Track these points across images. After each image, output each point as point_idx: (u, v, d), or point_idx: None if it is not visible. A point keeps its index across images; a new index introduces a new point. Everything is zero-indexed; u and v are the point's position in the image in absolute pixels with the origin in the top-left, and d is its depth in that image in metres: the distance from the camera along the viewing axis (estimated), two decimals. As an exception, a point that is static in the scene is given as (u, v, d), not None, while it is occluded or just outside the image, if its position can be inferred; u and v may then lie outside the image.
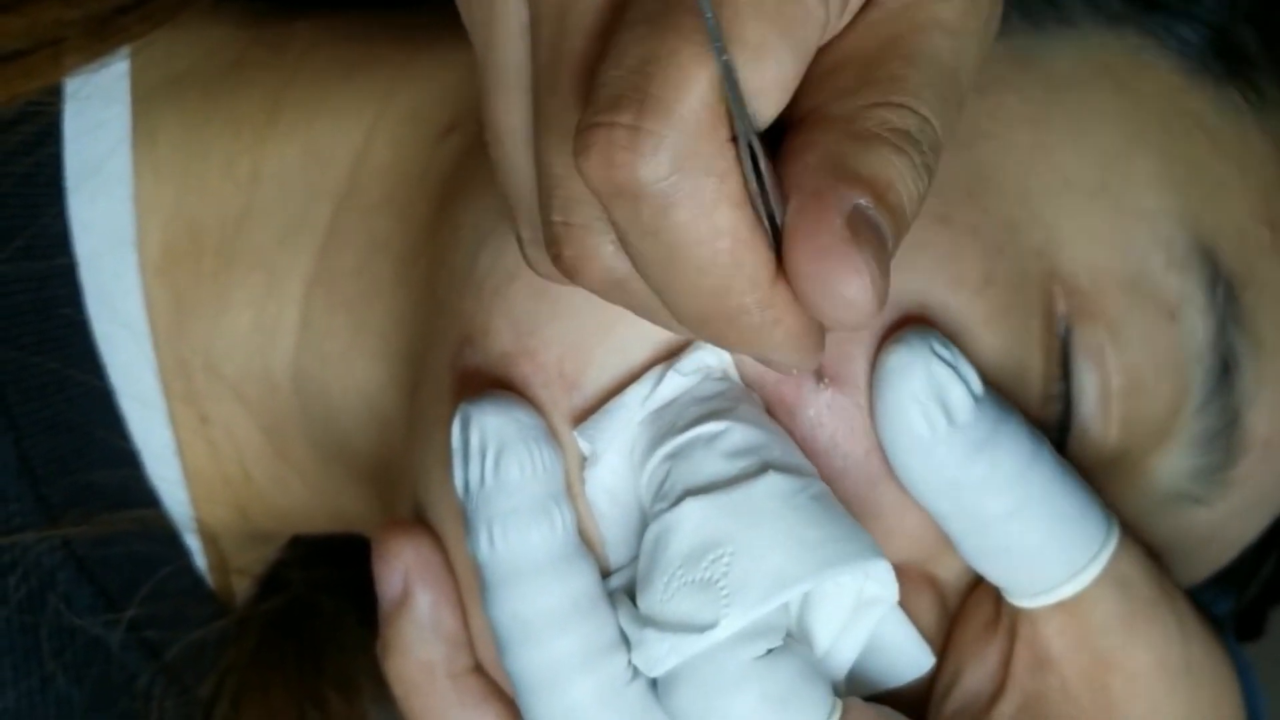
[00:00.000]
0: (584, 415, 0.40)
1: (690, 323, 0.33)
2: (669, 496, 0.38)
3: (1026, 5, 0.44)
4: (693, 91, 0.30)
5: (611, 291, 0.35)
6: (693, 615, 0.37)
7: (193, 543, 0.50)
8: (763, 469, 0.38)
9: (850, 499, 0.40)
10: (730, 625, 0.36)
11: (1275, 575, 0.59)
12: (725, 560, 0.37)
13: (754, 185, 0.32)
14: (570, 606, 0.38)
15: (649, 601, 0.38)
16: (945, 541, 0.41)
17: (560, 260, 0.34)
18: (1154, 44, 0.45)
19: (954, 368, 0.39)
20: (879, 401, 0.39)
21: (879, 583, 0.39)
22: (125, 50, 0.48)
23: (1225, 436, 0.44)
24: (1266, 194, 0.45)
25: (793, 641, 0.38)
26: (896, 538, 0.41)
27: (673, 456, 0.39)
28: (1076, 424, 0.42)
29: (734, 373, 0.40)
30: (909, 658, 0.41)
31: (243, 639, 0.52)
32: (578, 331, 0.40)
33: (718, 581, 0.36)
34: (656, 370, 0.40)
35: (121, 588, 0.49)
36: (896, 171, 0.32)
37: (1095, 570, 0.40)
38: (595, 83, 0.31)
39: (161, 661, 0.50)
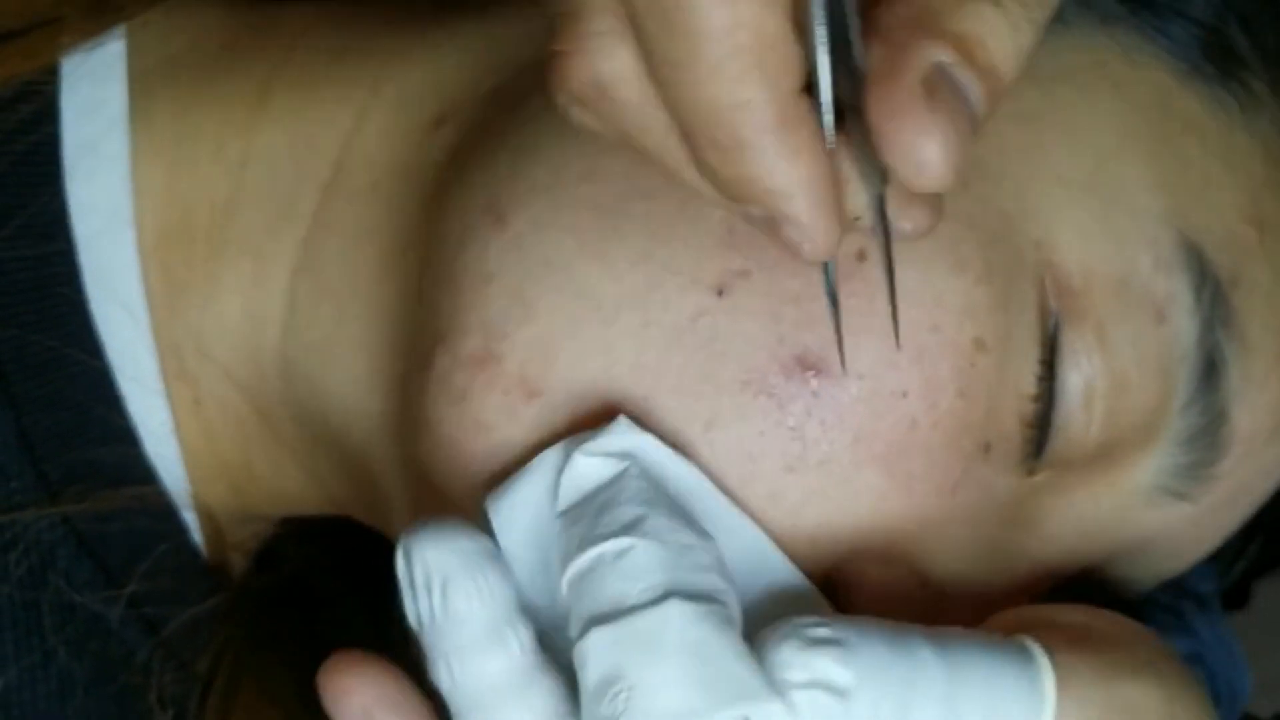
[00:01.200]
0: (539, 430, 0.40)
1: (699, 144, 0.32)
2: (578, 624, 0.37)
3: None
4: None
5: (596, 100, 0.33)
6: None
7: (190, 519, 0.51)
8: (664, 595, 0.37)
9: (831, 484, 0.40)
10: None
11: (1261, 552, 0.60)
12: (624, 696, 0.36)
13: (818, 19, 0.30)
14: None
15: None
16: (940, 540, 0.41)
17: (553, 60, 0.33)
18: (1146, 44, 0.45)
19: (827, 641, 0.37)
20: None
21: None
22: (121, 30, 0.48)
23: (1209, 434, 0.44)
24: (1254, 194, 0.45)
25: None
26: (881, 516, 0.41)
27: (580, 578, 0.38)
28: (1059, 421, 0.43)
29: (655, 454, 0.39)
30: None
31: (239, 614, 0.53)
32: (546, 337, 0.40)
33: (619, 717, 0.36)
34: (559, 448, 0.39)
35: (121, 564, 0.49)
36: (989, 27, 0.31)
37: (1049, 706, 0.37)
38: None
39: (160, 637, 0.50)
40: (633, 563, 0.37)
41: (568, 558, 0.38)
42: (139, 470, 0.49)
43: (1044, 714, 0.37)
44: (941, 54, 0.30)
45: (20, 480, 0.47)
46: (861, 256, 0.40)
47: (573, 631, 0.37)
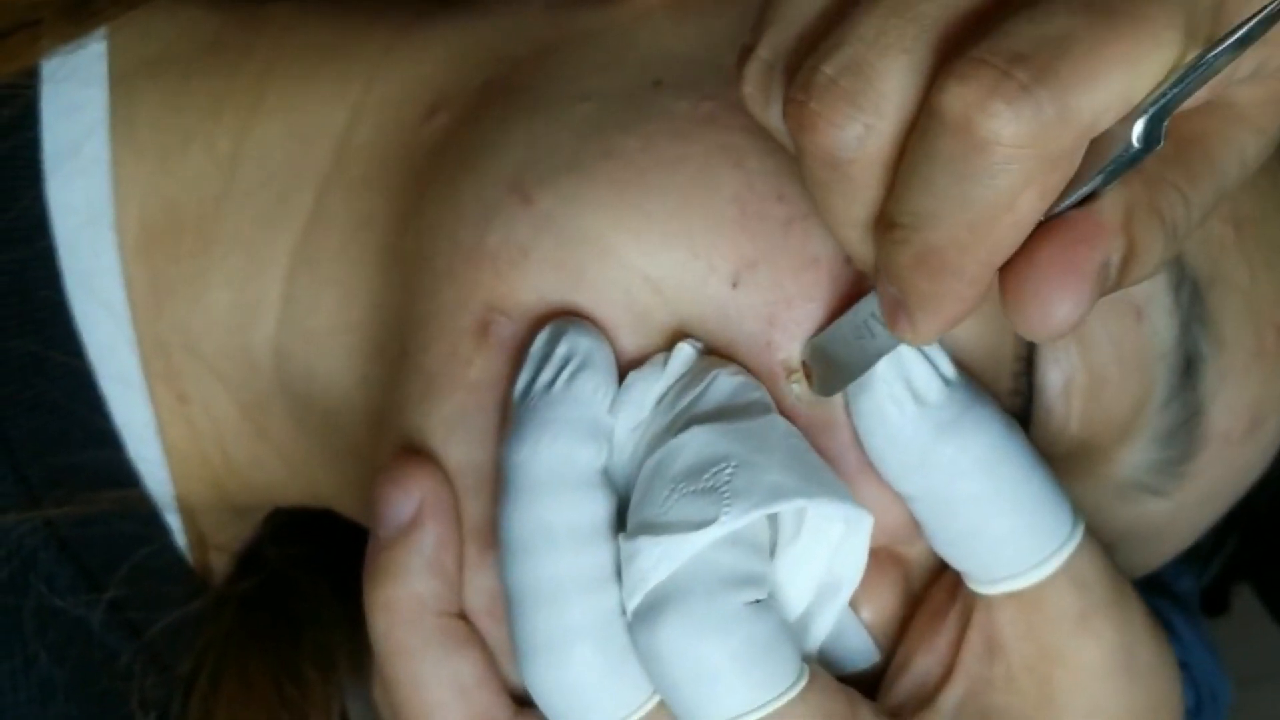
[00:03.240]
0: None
1: (907, 241, 0.34)
2: (674, 427, 0.39)
3: None
4: (1096, 90, 0.31)
5: (822, 164, 0.35)
6: (689, 518, 0.37)
7: (173, 521, 0.51)
8: (768, 409, 0.39)
9: None
10: (727, 524, 0.37)
11: (1237, 553, 0.60)
12: (728, 472, 0.38)
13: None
14: (591, 530, 0.39)
15: (647, 513, 0.38)
16: (917, 526, 0.41)
17: (796, 105, 0.34)
18: None
19: (922, 351, 0.40)
20: (850, 386, 0.40)
21: (848, 557, 0.40)
22: (101, 31, 0.48)
23: (1186, 431, 0.45)
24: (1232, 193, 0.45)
25: (774, 602, 0.39)
26: (874, 531, 0.41)
27: (682, 391, 0.40)
28: (1037, 417, 0.43)
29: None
30: (857, 649, 0.42)
31: (221, 616, 0.53)
32: (601, 302, 0.41)
33: (719, 489, 0.37)
34: (660, 356, 0.41)
35: (103, 568, 0.49)
36: (1152, 254, 0.34)
37: (1055, 564, 0.40)
38: (1000, 27, 0.32)
39: (142, 641, 0.50)
40: (736, 387, 0.39)
41: (663, 391, 0.40)
42: (121, 473, 0.49)
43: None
44: (1116, 252, 0.34)
45: (2, 484, 0.47)
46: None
47: (652, 445, 0.39)
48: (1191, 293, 0.44)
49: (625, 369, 0.41)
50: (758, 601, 0.38)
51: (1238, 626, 0.69)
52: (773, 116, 0.37)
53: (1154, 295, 0.44)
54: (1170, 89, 0.32)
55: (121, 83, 0.48)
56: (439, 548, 0.41)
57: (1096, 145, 0.33)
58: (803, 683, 0.38)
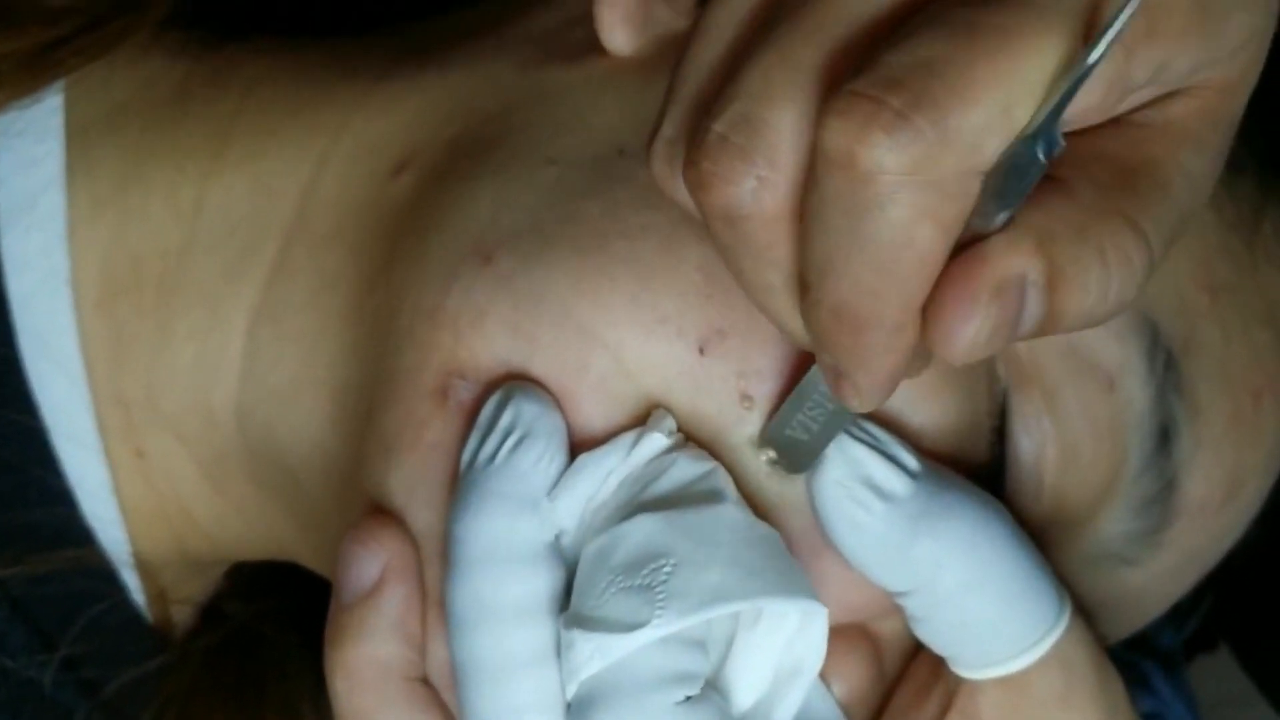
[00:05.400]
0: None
1: (820, 300, 0.33)
2: (624, 512, 0.38)
3: None
4: (973, 109, 0.31)
5: (724, 224, 0.34)
6: (624, 616, 0.36)
7: (130, 578, 0.50)
8: (720, 498, 0.38)
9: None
10: (661, 627, 0.36)
11: (1211, 611, 0.59)
12: (667, 569, 0.37)
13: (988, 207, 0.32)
14: (535, 605, 0.38)
15: (583, 605, 0.37)
16: (888, 605, 0.41)
17: (693, 168, 0.34)
18: None
19: (879, 449, 0.39)
20: (812, 492, 0.39)
21: (808, 643, 0.39)
22: (59, 85, 0.48)
23: (1160, 501, 0.44)
24: (1207, 259, 0.45)
25: (712, 692, 0.38)
26: (840, 608, 0.41)
27: (635, 479, 0.39)
28: (1010, 489, 0.42)
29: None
30: None
31: (183, 670, 0.52)
32: (557, 368, 0.40)
33: (655, 588, 0.36)
34: (629, 436, 0.39)
35: (57, 626, 0.48)
36: (1086, 281, 0.32)
37: (1044, 648, 0.39)
38: (876, 58, 0.31)
39: (99, 698, 0.49)
40: (689, 475, 0.38)
41: (625, 477, 0.39)
42: (76, 531, 0.48)
43: None
44: (1035, 269, 0.32)
45: None
46: None
47: (600, 529, 0.38)
48: (1166, 361, 0.43)
49: (586, 437, 0.40)
50: (689, 699, 0.37)
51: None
52: (679, 190, 0.36)
53: (1128, 364, 0.43)
54: (1062, 95, 0.31)
55: (80, 135, 0.48)
56: (402, 610, 0.40)
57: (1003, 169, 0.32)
58: None
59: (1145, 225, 0.33)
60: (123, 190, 0.48)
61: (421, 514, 0.40)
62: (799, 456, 0.39)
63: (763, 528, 0.39)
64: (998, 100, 0.31)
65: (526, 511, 0.38)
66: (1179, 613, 0.59)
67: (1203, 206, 0.35)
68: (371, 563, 0.40)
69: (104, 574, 0.49)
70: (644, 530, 0.37)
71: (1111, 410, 0.43)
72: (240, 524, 0.49)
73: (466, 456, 0.39)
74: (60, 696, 0.49)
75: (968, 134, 0.31)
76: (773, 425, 0.39)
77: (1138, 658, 0.63)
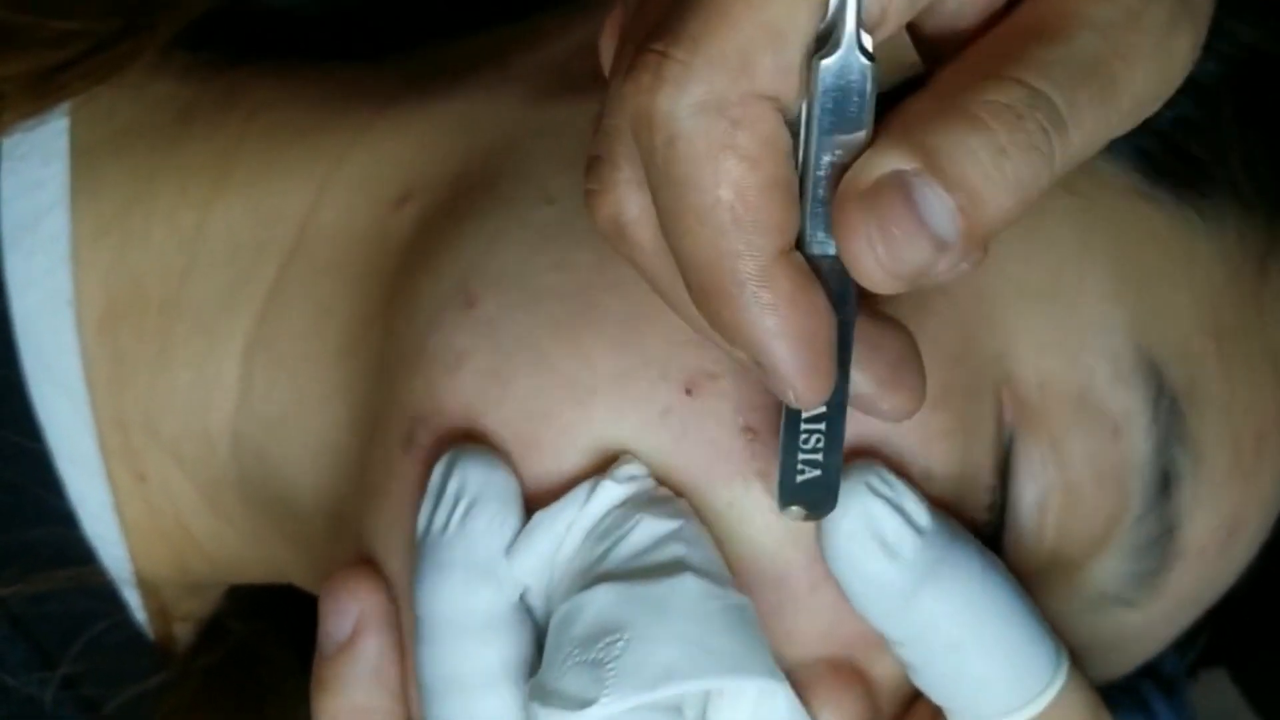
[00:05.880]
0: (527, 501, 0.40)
1: (692, 288, 0.33)
2: (585, 580, 0.38)
3: None
4: (731, 29, 0.30)
5: (616, 237, 0.34)
6: (575, 692, 0.36)
7: (131, 596, 0.50)
8: (680, 569, 0.38)
9: (787, 601, 0.40)
10: (607, 706, 0.36)
11: (1212, 639, 0.59)
12: (620, 644, 0.36)
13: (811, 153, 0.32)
14: (500, 671, 0.38)
15: (546, 676, 0.37)
16: (881, 644, 0.41)
17: (587, 196, 0.34)
18: (1107, 153, 0.44)
19: (893, 502, 0.39)
20: (824, 539, 0.39)
21: (772, 716, 0.38)
22: (65, 107, 0.47)
23: (1160, 546, 0.44)
24: (1213, 304, 0.44)
25: None
26: (832, 640, 0.41)
27: (597, 540, 0.38)
28: (1011, 533, 0.42)
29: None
30: None
31: (183, 688, 0.52)
32: (524, 416, 0.40)
33: (607, 663, 0.36)
34: (585, 486, 0.39)
35: (58, 644, 0.49)
36: (970, 152, 0.30)
37: (1042, 704, 0.39)
38: (639, 12, 0.32)
39: (99, 716, 0.50)
40: (653, 538, 0.38)
41: (587, 530, 0.39)
42: (78, 550, 0.49)
43: None
44: (901, 162, 0.30)
45: None
46: None
47: (567, 591, 0.38)
48: (1170, 408, 0.43)
49: (551, 486, 0.39)
50: None
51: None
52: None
53: (1133, 410, 0.43)
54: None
55: (85, 157, 0.48)
56: (380, 661, 0.40)
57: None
58: None
59: (1035, 81, 0.31)
60: (126, 213, 0.48)
61: (391, 561, 0.41)
62: (819, 496, 0.38)
63: (727, 597, 0.38)
64: (754, 16, 0.30)
65: (482, 579, 0.38)
66: (1182, 640, 0.59)
67: (1154, 80, 0.33)
68: (347, 614, 0.40)
69: (105, 592, 0.49)
70: (601, 602, 0.37)
71: (1116, 457, 0.43)
72: (239, 546, 0.50)
73: (421, 524, 0.39)
74: (61, 714, 0.49)
75: (732, 55, 0.30)
76: (781, 481, 0.38)
77: (1137, 680, 0.63)
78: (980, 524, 0.42)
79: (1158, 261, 0.44)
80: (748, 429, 0.40)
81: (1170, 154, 0.45)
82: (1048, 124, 0.31)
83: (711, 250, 0.32)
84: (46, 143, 0.47)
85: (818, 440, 0.38)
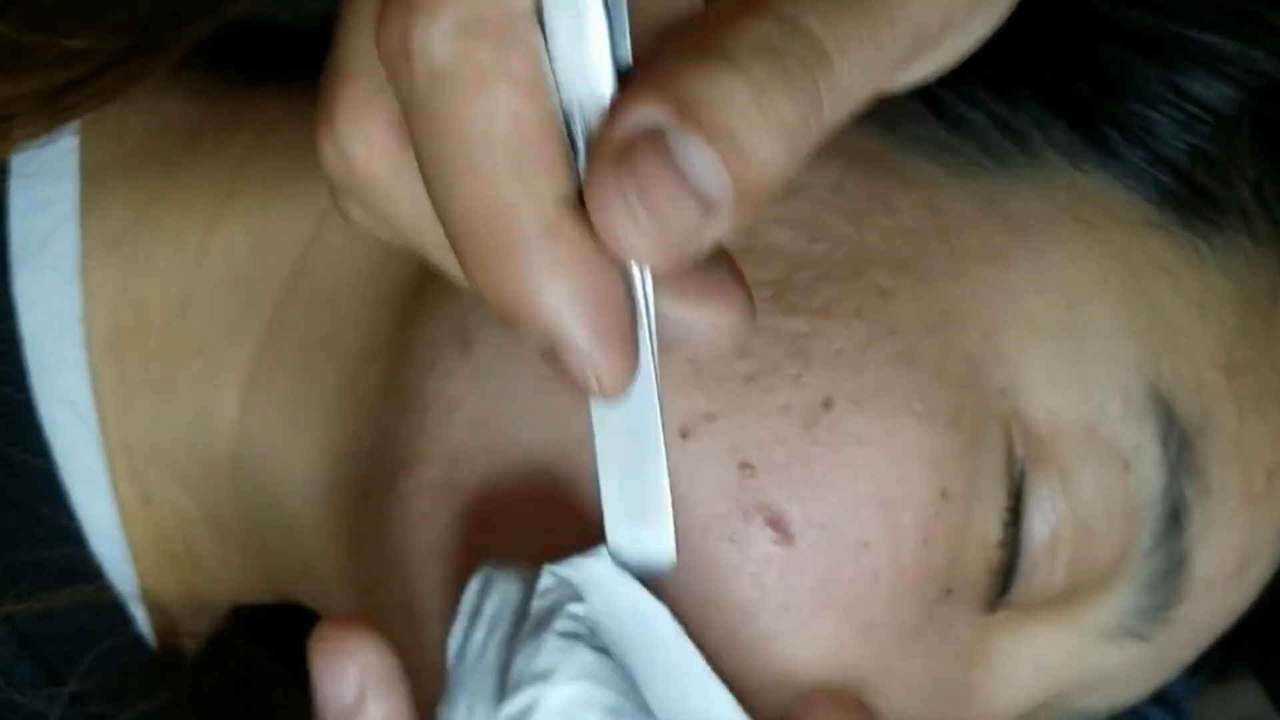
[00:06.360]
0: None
1: (462, 255, 0.28)
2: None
3: (991, 143, 0.43)
4: None
5: (346, 187, 0.31)
6: None
7: (138, 613, 0.50)
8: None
9: (790, 629, 0.40)
10: None
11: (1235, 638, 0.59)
12: None
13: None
14: None
15: None
16: (894, 681, 0.41)
17: (319, 149, 0.31)
18: (1118, 186, 0.44)
19: None
20: None
21: None
22: (74, 126, 0.47)
23: (1171, 579, 0.44)
24: (1224, 338, 0.44)
25: None
26: (834, 667, 0.40)
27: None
28: (1023, 568, 0.42)
29: (625, 590, 0.37)
30: None
31: (189, 706, 0.52)
32: (504, 469, 0.39)
33: None
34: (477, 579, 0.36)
35: (64, 662, 0.48)
36: (723, 91, 0.27)
37: None
38: None
39: (104, 733, 0.50)
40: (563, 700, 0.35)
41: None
42: (85, 568, 0.48)
43: None
44: (654, 113, 0.27)
45: None
46: (828, 404, 0.40)
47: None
48: (1181, 442, 0.43)
49: (531, 534, 0.38)
50: None
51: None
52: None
53: (1143, 445, 0.43)
54: None
55: (95, 176, 0.48)
56: None
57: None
58: None
59: (791, 10, 0.28)
60: (132, 235, 0.48)
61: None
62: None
63: None
64: None
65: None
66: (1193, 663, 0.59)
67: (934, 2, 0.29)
68: (345, 677, 0.36)
69: (112, 610, 0.49)
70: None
71: (1125, 492, 0.43)
72: (245, 568, 0.50)
73: (453, 647, 0.36)
74: (67, 731, 0.49)
75: None
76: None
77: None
78: (994, 558, 0.42)
79: (1169, 294, 0.44)
80: (744, 465, 0.39)
81: (1183, 185, 0.44)
82: (810, 58, 0.27)
83: (485, 203, 0.27)
84: (56, 160, 0.47)
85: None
